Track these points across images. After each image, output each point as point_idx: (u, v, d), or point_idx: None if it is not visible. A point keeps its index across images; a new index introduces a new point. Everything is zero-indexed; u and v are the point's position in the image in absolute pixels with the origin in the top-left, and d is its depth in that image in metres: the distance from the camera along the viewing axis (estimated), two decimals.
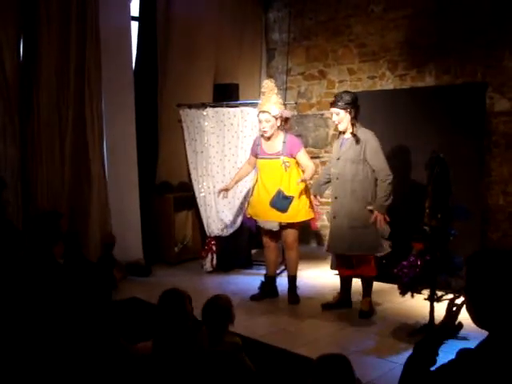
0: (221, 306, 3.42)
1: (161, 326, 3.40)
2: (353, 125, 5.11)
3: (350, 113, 5.08)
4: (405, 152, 6.21)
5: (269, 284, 5.88)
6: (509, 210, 6.18)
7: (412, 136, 6.16)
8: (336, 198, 5.23)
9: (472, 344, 1.99)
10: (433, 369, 2.06)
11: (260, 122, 5.53)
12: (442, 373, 1.98)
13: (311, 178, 5.58)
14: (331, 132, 7.65)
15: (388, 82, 7.10)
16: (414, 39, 6.79)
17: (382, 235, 5.15)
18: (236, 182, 6.04)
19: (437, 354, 2.14)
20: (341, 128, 5.16)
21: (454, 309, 2.22)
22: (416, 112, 6.21)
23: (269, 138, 5.54)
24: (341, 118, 5.10)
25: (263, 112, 5.47)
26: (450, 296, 2.95)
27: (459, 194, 4.82)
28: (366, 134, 5.10)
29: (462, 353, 1.96)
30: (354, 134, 5.09)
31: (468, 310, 2.03)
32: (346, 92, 5.34)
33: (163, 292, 3.49)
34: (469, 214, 4.71)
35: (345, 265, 5.39)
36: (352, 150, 5.09)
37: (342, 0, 7.50)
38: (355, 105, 5.11)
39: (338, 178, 5.20)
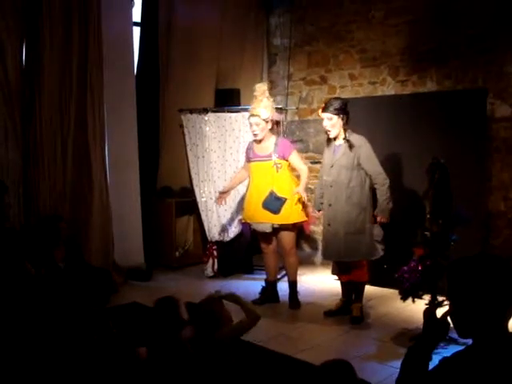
0: (210, 310, 3.42)
1: (155, 332, 3.40)
2: (345, 130, 5.13)
3: (342, 118, 5.10)
4: (405, 157, 6.21)
5: (269, 289, 5.88)
6: (510, 215, 6.17)
7: (413, 141, 6.16)
8: (330, 205, 5.23)
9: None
10: None
11: (250, 125, 5.58)
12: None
13: (308, 183, 5.61)
14: None
15: (389, 88, 7.10)
16: (415, 45, 6.80)
17: (376, 238, 5.16)
18: (232, 187, 6.06)
19: (430, 359, 2.14)
20: (332, 134, 5.16)
21: (440, 315, 2.21)
22: (417, 117, 6.21)
23: (260, 141, 5.58)
24: (333, 123, 5.10)
25: (253, 115, 5.52)
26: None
27: (460, 200, 4.82)
28: (358, 140, 5.11)
29: (443, 361, 1.96)
30: (347, 140, 5.10)
31: (450, 317, 2.04)
32: (336, 98, 5.38)
33: (157, 300, 3.51)
34: (470, 220, 4.71)
35: (344, 271, 5.39)
36: (345, 156, 5.10)
37: (343, 6, 7.51)
38: (346, 111, 5.13)
39: (331, 186, 5.20)
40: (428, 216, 4.64)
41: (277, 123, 5.71)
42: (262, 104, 5.53)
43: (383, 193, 5.05)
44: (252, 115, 5.54)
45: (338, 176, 5.14)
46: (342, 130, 5.14)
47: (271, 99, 5.68)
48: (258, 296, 5.85)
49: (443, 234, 4.56)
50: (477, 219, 5.54)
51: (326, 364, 2.52)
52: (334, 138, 5.20)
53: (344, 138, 5.12)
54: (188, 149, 7.20)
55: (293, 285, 5.79)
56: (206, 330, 3.35)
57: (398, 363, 2.22)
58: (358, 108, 5.97)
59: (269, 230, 5.59)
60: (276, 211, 5.49)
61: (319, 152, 7.68)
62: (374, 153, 5.13)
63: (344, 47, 7.56)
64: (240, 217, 6.64)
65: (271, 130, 5.62)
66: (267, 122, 5.53)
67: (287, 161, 5.56)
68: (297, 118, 8.12)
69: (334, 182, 5.18)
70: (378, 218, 5.10)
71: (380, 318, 5.35)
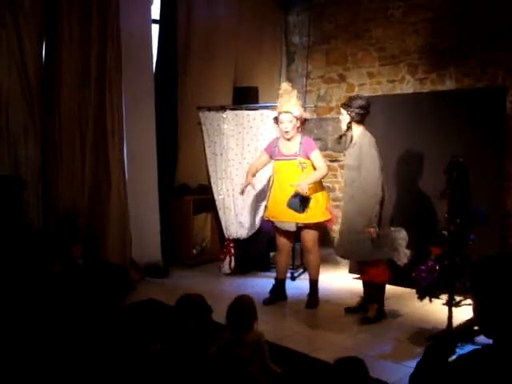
0: (243, 307, 3.46)
1: (173, 328, 3.43)
2: (348, 127, 5.14)
3: (349, 114, 5.09)
4: (424, 156, 6.17)
5: (279, 287, 5.89)
6: None
7: (431, 140, 6.13)
8: (343, 204, 5.32)
9: None
10: None
11: (282, 122, 5.54)
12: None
13: (319, 180, 5.54)
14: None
15: (408, 86, 7.06)
16: (434, 43, 6.75)
17: (400, 242, 5.07)
18: (253, 175, 5.90)
19: (450, 356, 2.13)
20: (342, 127, 5.21)
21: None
22: (436, 116, 6.18)
23: (289, 139, 5.57)
24: (342, 117, 5.16)
25: (286, 112, 5.50)
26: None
27: (478, 199, 4.79)
28: (361, 139, 5.08)
29: (460, 357, 1.95)
30: (344, 135, 5.19)
31: (473, 316, 2.03)
32: (356, 95, 5.40)
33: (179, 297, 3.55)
34: (488, 219, 4.67)
35: (360, 269, 5.39)
36: (351, 156, 5.14)
37: (361, 4, 7.49)
38: (357, 108, 5.07)
39: (344, 185, 5.30)
40: (446, 215, 4.62)
41: (303, 122, 5.70)
42: (292, 102, 5.53)
43: (371, 205, 4.94)
44: (285, 112, 5.51)
45: (346, 175, 5.23)
46: (346, 126, 5.16)
47: (298, 98, 5.69)
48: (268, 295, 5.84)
49: (461, 234, 4.53)
50: (495, 218, 5.50)
51: (339, 361, 2.55)
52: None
53: (345, 130, 5.17)
54: (206, 146, 7.22)
55: (314, 284, 5.77)
56: (238, 327, 3.41)
57: (414, 363, 2.21)
58: (376, 106, 5.94)
59: (293, 229, 5.62)
60: (300, 211, 5.50)
61: (337, 150, 7.67)
62: (380, 157, 5.01)
63: (362, 45, 7.54)
64: (260, 214, 6.67)
65: (298, 128, 5.61)
66: (298, 119, 5.54)
67: (310, 159, 5.55)
68: (315, 116, 8.10)
69: (344, 182, 5.28)
70: (367, 230, 4.96)
71: (396, 317, 5.33)
